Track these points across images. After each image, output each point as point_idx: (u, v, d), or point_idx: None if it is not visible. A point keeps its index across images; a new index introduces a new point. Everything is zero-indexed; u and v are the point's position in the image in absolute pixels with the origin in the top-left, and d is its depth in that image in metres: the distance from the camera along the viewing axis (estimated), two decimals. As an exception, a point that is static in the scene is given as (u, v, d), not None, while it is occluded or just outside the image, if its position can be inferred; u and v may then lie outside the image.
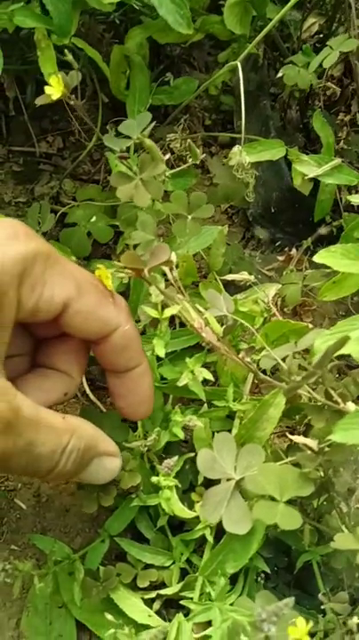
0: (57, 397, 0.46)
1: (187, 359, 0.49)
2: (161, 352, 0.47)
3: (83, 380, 0.60)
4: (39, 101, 0.51)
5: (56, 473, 0.42)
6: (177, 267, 0.55)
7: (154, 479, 0.50)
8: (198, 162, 0.48)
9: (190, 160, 0.49)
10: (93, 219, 0.67)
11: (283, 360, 0.50)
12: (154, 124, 0.48)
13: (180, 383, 0.48)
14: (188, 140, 0.48)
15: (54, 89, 0.50)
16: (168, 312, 0.44)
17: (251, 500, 0.48)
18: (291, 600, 0.39)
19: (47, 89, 0.51)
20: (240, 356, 0.51)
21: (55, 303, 0.41)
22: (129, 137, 0.49)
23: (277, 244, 0.72)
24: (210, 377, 0.49)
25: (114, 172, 0.50)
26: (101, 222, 0.67)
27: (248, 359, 0.50)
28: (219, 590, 0.46)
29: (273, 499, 0.45)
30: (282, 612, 0.39)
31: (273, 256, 0.71)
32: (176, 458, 0.49)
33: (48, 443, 0.40)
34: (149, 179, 0.44)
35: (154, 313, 0.46)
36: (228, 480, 0.47)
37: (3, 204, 0.75)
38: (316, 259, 0.51)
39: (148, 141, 0.43)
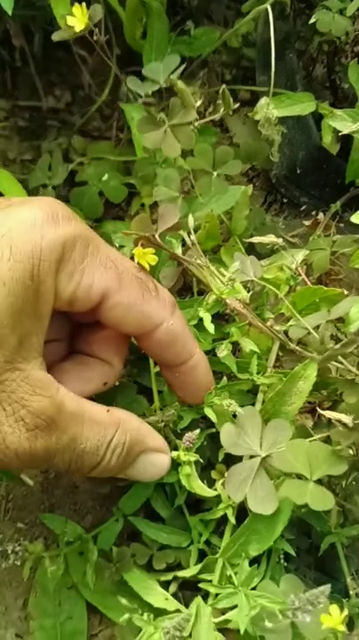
0: (96, 387, 0.43)
1: (232, 329, 0.46)
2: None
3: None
4: (56, 37, 0.46)
5: (100, 469, 0.41)
6: (196, 230, 0.51)
7: (173, 454, 0.47)
8: (230, 112, 0.43)
9: (222, 110, 0.44)
10: (105, 177, 0.63)
11: (315, 329, 0.46)
12: (182, 67, 0.43)
13: (220, 354, 0.44)
14: (223, 86, 0.43)
15: (78, 20, 0.45)
16: None
17: (277, 478, 0.45)
18: (327, 587, 0.36)
19: (69, 19, 0.45)
20: (268, 324, 0.47)
21: (93, 293, 0.38)
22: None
23: (302, 208, 0.67)
24: (256, 349, 0.46)
25: (135, 121, 0.46)
26: (114, 181, 0.63)
27: (277, 327, 0.47)
28: (243, 574, 0.43)
29: (299, 477, 0.43)
30: (317, 601, 0.36)
31: (297, 221, 0.66)
32: (197, 431, 0.46)
33: (92, 438, 0.39)
34: (179, 125, 0.40)
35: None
36: (252, 457, 0.45)
37: (8, 161, 0.71)
38: (354, 219, 0.47)
39: (181, 84, 0.39)
